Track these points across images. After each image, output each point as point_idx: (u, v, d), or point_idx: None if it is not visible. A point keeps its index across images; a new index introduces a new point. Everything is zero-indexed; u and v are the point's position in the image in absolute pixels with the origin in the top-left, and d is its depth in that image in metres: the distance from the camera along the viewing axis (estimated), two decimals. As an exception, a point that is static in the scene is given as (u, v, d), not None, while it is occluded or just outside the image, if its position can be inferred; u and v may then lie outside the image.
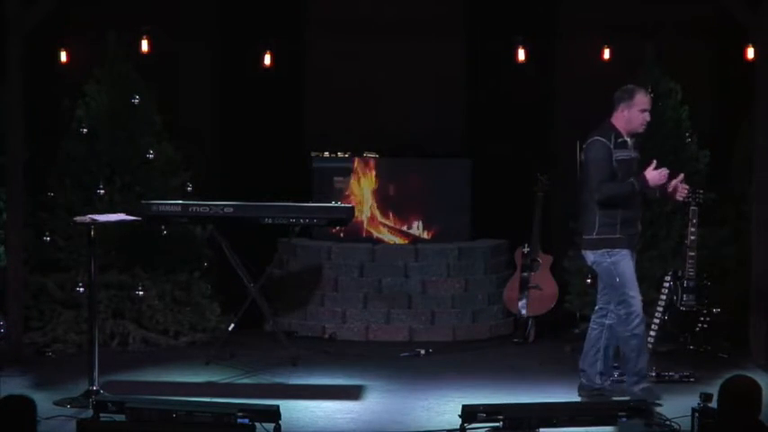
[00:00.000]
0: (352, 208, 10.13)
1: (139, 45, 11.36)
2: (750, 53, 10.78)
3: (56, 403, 8.38)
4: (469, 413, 7.32)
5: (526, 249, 10.99)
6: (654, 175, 8.36)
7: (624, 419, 7.50)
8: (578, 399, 8.56)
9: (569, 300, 10.75)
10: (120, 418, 7.34)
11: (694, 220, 9.64)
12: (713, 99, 11.50)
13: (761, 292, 9.73)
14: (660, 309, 9.74)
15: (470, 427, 7.31)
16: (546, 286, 10.94)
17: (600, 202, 8.35)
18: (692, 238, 9.65)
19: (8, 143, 9.75)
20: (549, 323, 10.98)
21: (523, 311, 10.93)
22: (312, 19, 11.97)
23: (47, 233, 10.55)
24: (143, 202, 9.97)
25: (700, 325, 9.82)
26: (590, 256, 8.52)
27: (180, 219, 9.91)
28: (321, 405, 8.54)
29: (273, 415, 7.32)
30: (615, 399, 8.46)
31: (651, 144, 10.00)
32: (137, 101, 10.68)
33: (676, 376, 9.19)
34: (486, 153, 11.48)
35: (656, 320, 9.75)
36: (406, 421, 8.21)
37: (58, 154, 10.66)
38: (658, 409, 8.13)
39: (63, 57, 11.62)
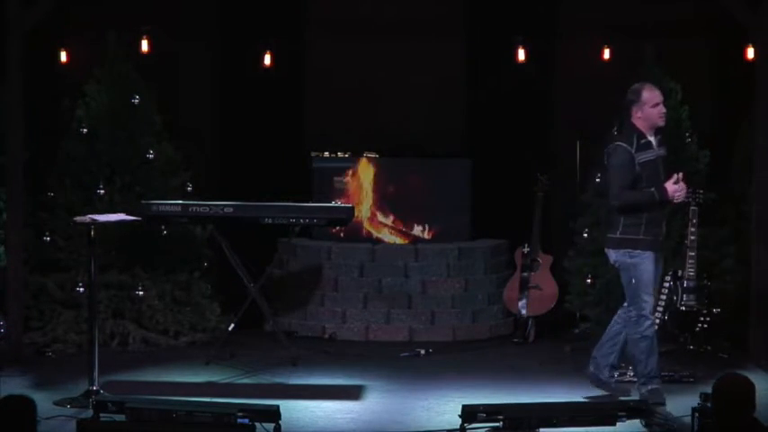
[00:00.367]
0: (352, 208, 10.14)
1: (139, 45, 11.36)
2: (750, 53, 10.78)
3: (56, 403, 8.38)
4: (469, 413, 7.32)
5: (526, 249, 10.99)
6: (675, 188, 8.33)
7: (624, 419, 7.50)
8: (578, 399, 8.55)
9: (569, 300, 10.75)
10: (120, 418, 7.34)
11: (694, 220, 9.64)
12: (713, 99, 11.50)
13: (761, 292, 9.73)
14: (660, 309, 9.74)
15: (470, 427, 7.31)
16: (546, 286, 10.94)
17: (620, 208, 8.35)
18: (692, 238, 9.64)
19: (8, 143, 9.75)
20: (549, 323, 10.98)
21: (523, 311, 10.93)
22: (312, 19, 11.97)
23: (47, 233, 10.55)
24: (143, 202, 9.97)
25: (700, 325, 9.81)
26: (612, 254, 8.51)
27: (180, 219, 9.91)
28: (321, 405, 8.54)
29: (273, 415, 7.32)
30: (615, 399, 8.48)
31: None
32: (137, 101, 10.69)
33: (676, 376, 9.20)
34: (486, 153, 11.48)
35: (657, 320, 9.75)
36: (406, 421, 8.21)
37: (58, 154, 10.67)
38: (667, 409, 8.13)
39: (63, 57, 11.62)
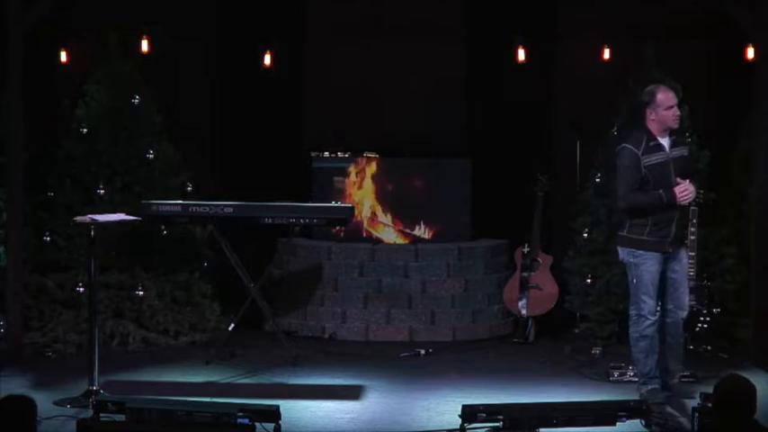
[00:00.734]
0: (352, 208, 10.14)
1: (139, 45, 11.37)
2: (750, 53, 10.78)
3: (56, 403, 8.38)
4: (469, 413, 7.32)
5: (526, 249, 10.99)
6: (682, 191, 8.27)
7: (624, 419, 7.50)
8: (578, 399, 8.55)
9: (569, 300, 10.75)
10: (120, 418, 7.35)
11: (694, 220, 9.63)
12: (713, 99, 11.50)
13: (761, 292, 9.73)
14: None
15: (470, 427, 7.32)
16: (546, 286, 10.94)
17: (625, 210, 8.34)
18: (692, 238, 9.63)
19: (8, 143, 9.75)
20: (549, 323, 10.98)
21: (523, 311, 10.93)
22: (312, 19, 11.97)
23: (47, 233, 10.56)
24: (143, 202, 9.97)
25: (700, 325, 9.81)
26: (619, 252, 8.50)
27: (180, 219, 9.92)
28: (321, 405, 8.54)
29: (273, 415, 7.32)
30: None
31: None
32: (137, 101, 10.69)
33: (676, 376, 9.21)
34: (486, 153, 11.49)
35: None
36: (406, 421, 8.21)
37: (58, 154, 10.66)
38: (662, 409, 8.14)
39: (63, 57, 11.64)
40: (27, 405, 5.83)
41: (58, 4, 9.79)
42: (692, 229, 9.62)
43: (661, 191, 8.23)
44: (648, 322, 8.38)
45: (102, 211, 9.46)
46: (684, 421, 7.93)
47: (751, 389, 5.88)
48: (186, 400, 7.86)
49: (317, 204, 10.31)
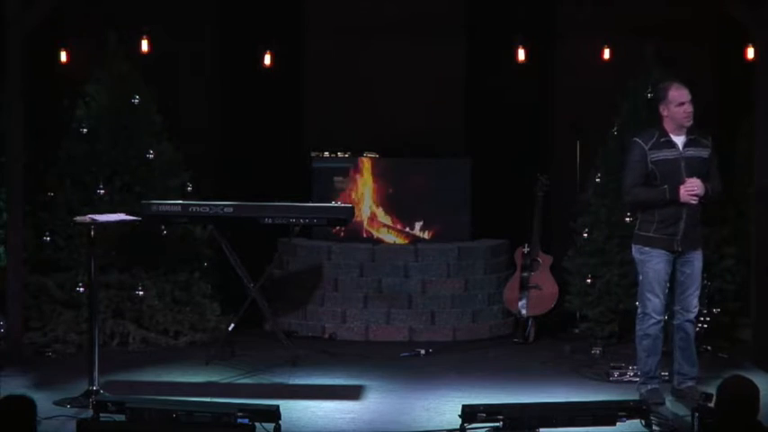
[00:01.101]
0: (352, 208, 10.14)
1: (139, 45, 11.36)
2: (750, 53, 10.78)
3: (56, 403, 8.37)
4: (469, 413, 7.33)
5: (526, 249, 10.99)
6: (687, 189, 8.26)
7: (624, 419, 7.50)
8: (578, 399, 8.55)
9: (569, 300, 10.75)
10: (120, 418, 7.35)
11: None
12: (713, 99, 11.50)
13: (761, 291, 9.73)
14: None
15: (470, 427, 7.32)
16: (546, 286, 10.93)
17: (629, 204, 8.36)
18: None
19: (8, 143, 9.74)
20: (549, 323, 10.98)
21: (523, 311, 10.92)
22: (312, 19, 11.97)
23: (47, 233, 10.55)
24: (143, 202, 9.97)
25: (700, 325, 9.80)
26: (632, 249, 8.52)
27: (180, 219, 9.92)
28: (321, 405, 8.53)
29: (273, 415, 7.32)
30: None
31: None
32: (137, 101, 10.68)
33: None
34: (486, 153, 11.49)
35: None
36: (406, 421, 8.21)
37: (58, 154, 10.66)
38: (662, 409, 8.14)
39: (63, 57, 11.63)
40: (27, 405, 5.83)
41: (58, 4, 9.79)
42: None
43: (666, 186, 8.24)
44: (652, 321, 8.37)
45: (102, 211, 9.46)
46: (682, 422, 7.93)
47: (755, 391, 5.89)
48: (186, 400, 7.86)
49: (317, 204, 10.31)
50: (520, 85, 11.64)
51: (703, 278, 9.80)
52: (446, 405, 8.46)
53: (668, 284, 8.48)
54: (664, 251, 8.32)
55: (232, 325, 9.98)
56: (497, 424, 7.29)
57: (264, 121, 11.87)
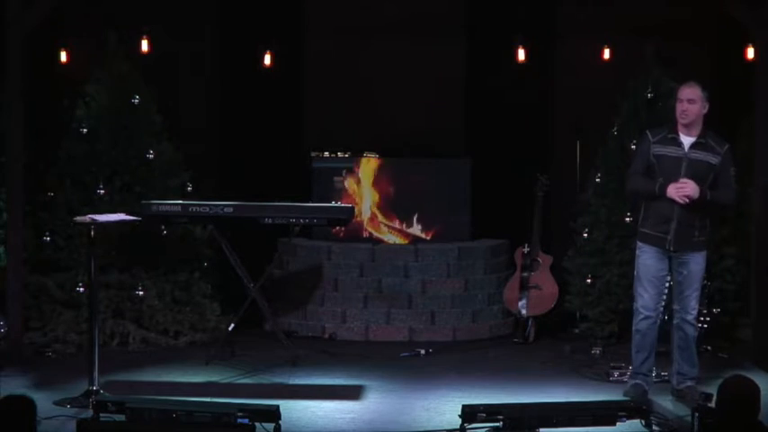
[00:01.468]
0: (352, 208, 10.14)
1: (139, 45, 11.36)
2: (750, 53, 10.78)
3: (56, 403, 8.37)
4: (469, 413, 7.32)
5: (526, 249, 10.99)
6: (676, 187, 8.26)
7: (624, 419, 7.50)
8: (578, 399, 8.55)
9: (569, 300, 10.75)
10: (120, 418, 7.34)
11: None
12: (713, 99, 11.48)
13: (761, 291, 9.73)
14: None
15: (470, 427, 7.32)
16: (546, 286, 10.93)
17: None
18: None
19: (8, 143, 9.75)
20: (549, 323, 10.98)
21: (523, 311, 10.92)
22: (312, 18, 11.97)
23: (47, 233, 10.55)
24: (143, 202, 9.97)
25: (700, 325, 9.80)
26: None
27: (180, 219, 9.91)
28: (321, 405, 8.53)
29: (273, 415, 7.32)
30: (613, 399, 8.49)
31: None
32: (137, 101, 10.68)
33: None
34: (486, 153, 11.49)
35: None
36: (406, 421, 8.21)
37: (58, 154, 10.66)
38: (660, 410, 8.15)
39: (63, 57, 11.63)
40: (27, 405, 5.83)
41: (58, 4, 9.79)
42: None
43: (660, 180, 8.27)
44: (641, 316, 8.42)
45: (102, 211, 9.46)
46: (682, 422, 7.93)
47: (755, 390, 5.89)
48: (186, 400, 7.86)
49: (317, 204, 10.31)
50: (520, 85, 11.64)
51: (703, 278, 9.82)
52: (446, 405, 8.46)
53: (666, 283, 8.51)
54: (655, 248, 8.37)
55: (232, 325, 9.98)
56: (497, 424, 7.29)
57: (264, 121, 11.87)
